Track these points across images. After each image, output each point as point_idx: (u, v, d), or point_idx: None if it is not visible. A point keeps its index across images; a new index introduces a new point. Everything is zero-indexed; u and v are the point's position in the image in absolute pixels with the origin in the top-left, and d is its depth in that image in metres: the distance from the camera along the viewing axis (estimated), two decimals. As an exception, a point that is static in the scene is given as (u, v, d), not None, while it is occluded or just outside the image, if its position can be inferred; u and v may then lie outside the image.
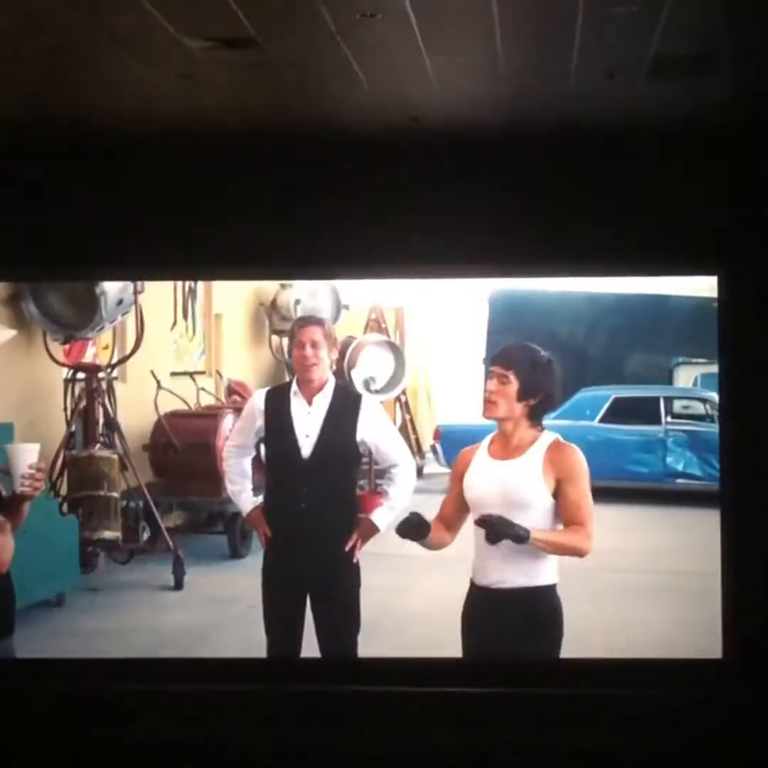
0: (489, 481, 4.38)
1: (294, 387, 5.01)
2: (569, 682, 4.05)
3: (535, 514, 4.27)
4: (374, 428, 5.02)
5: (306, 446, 4.91)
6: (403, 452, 5.18)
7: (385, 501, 5.03)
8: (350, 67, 3.23)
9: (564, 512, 4.30)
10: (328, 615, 4.90)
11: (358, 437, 4.96)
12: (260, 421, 5.03)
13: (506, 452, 4.40)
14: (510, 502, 4.31)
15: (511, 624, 4.24)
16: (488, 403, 4.39)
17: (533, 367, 4.37)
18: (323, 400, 4.97)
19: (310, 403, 4.97)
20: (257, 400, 5.10)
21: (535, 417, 4.40)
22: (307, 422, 4.94)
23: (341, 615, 4.91)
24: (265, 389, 5.25)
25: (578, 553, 4.28)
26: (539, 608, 4.29)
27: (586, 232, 4.06)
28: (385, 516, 4.98)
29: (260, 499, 5.10)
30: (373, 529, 4.98)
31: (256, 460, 5.28)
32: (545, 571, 4.31)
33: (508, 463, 4.38)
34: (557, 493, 4.31)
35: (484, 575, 4.34)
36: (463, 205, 4.08)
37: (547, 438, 4.40)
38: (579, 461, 4.36)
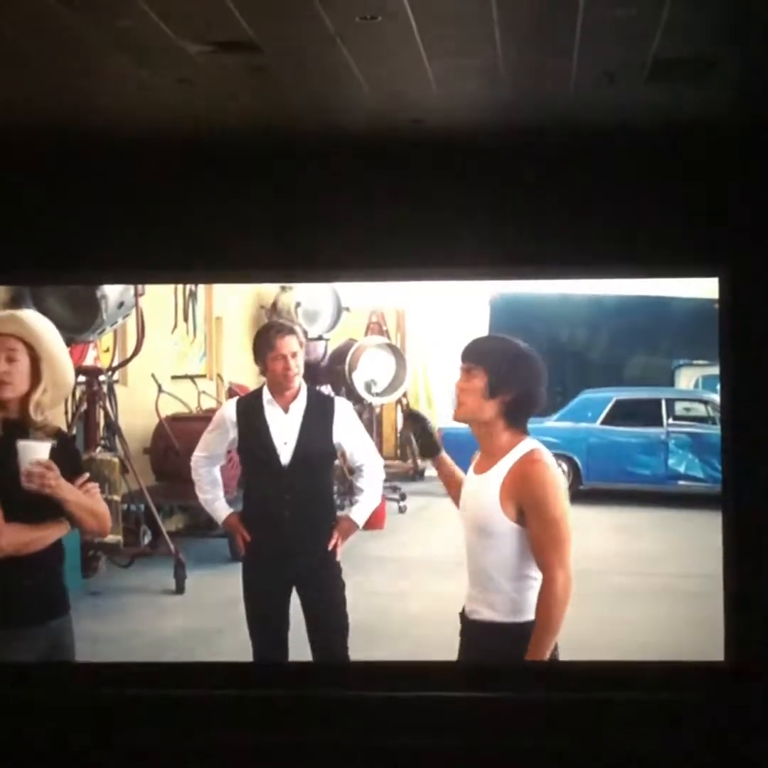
0: (463, 499, 3.92)
1: (266, 395, 4.99)
2: (570, 685, 4.04)
3: (501, 545, 3.74)
4: (348, 430, 5.07)
5: (285, 453, 4.91)
6: (373, 450, 5.25)
7: (361, 497, 5.06)
8: (350, 70, 3.22)
9: (531, 548, 3.71)
10: (318, 618, 4.94)
11: (335, 439, 4.97)
12: (233, 433, 5.02)
13: (482, 464, 3.87)
14: (475, 528, 3.80)
15: (482, 658, 3.89)
16: (457, 402, 3.87)
17: (503, 359, 3.85)
18: (299, 407, 4.96)
19: (286, 410, 4.96)
20: (228, 411, 5.07)
21: (512, 418, 3.83)
22: (284, 429, 4.94)
23: (332, 617, 4.94)
24: (235, 399, 5.23)
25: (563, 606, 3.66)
26: (510, 648, 3.78)
27: (587, 234, 4.06)
28: (363, 512, 5.03)
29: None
30: (352, 527, 5.02)
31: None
32: (523, 608, 3.78)
33: (479, 479, 3.83)
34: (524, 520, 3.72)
35: (466, 599, 3.93)
36: (464, 208, 4.08)
37: (521, 449, 3.80)
38: (544, 482, 3.71)
